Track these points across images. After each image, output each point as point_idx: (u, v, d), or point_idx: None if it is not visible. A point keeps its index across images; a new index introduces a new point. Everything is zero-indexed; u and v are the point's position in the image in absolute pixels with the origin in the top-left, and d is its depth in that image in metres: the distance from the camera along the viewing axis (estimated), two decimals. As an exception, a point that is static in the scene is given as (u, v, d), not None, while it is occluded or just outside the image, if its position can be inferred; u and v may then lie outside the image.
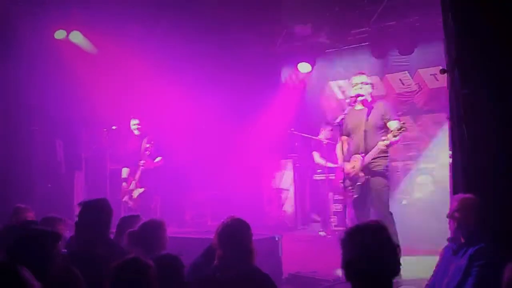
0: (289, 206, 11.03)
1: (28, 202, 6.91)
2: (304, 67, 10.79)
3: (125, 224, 4.64)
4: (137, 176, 8.85)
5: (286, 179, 11.17)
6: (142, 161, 8.81)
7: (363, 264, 2.41)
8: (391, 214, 6.19)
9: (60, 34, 9.47)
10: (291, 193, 11.04)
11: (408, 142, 9.93)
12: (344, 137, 6.66)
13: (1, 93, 8.88)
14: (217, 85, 10.67)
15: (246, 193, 10.89)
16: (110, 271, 2.96)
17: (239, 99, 11.07)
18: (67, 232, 5.28)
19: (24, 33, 8.85)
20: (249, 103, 11.06)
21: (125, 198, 8.89)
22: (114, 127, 9.17)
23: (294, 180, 11.02)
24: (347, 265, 2.46)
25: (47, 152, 9.53)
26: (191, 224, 10.47)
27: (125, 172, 9.09)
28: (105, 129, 9.28)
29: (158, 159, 8.97)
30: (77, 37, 9.66)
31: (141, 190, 8.83)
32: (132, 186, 8.87)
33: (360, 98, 6.52)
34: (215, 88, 10.66)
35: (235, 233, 3.63)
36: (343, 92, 11.06)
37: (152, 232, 4.21)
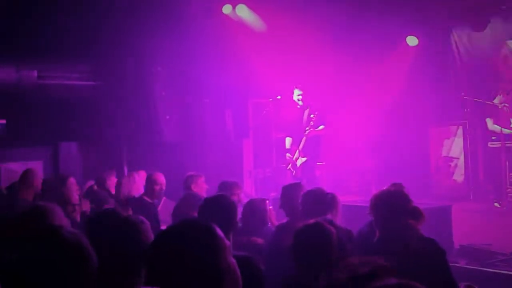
0: (459, 175, 10.46)
1: (201, 169, 7.40)
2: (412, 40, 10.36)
3: (287, 192, 4.71)
4: (301, 145, 8.97)
5: (455, 146, 10.58)
6: (306, 131, 8.90)
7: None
8: None
9: (227, 9, 9.84)
10: (461, 162, 10.44)
11: None
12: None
13: (179, 67, 9.50)
14: (377, 55, 10.37)
15: (412, 161, 10.53)
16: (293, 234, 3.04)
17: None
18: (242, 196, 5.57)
19: (193, 8, 9.30)
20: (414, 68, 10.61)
21: (289, 167, 9.08)
22: (278, 97, 9.37)
23: (465, 148, 10.40)
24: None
25: (218, 122, 10.05)
26: (356, 192, 10.42)
27: (288, 142, 9.26)
28: (270, 99, 9.53)
29: (321, 127, 9.00)
30: (243, 11, 9.96)
31: (304, 159, 8.95)
32: (296, 155, 9.02)
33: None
34: (373, 58, 10.37)
35: (392, 200, 3.48)
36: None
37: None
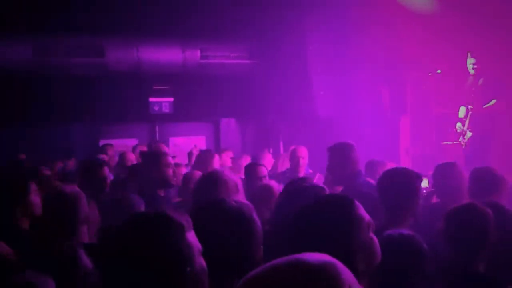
0: None
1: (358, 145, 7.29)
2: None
3: (439, 172, 4.45)
4: (467, 120, 8.38)
5: None
6: (469, 105, 8.30)
7: None
8: None
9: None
10: None
11: None
12: None
13: (333, 43, 9.44)
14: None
15: None
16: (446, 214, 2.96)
17: None
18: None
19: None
20: None
21: (461, 139, 8.49)
22: (438, 71, 8.89)
23: None
24: None
25: (373, 98, 9.83)
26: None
27: (462, 111, 8.55)
28: (429, 73, 9.08)
29: (492, 102, 8.26)
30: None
31: (470, 134, 8.37)
32: (464, 128, 8.39)
33: None
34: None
35: None
36: None
37: None
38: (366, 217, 1.93)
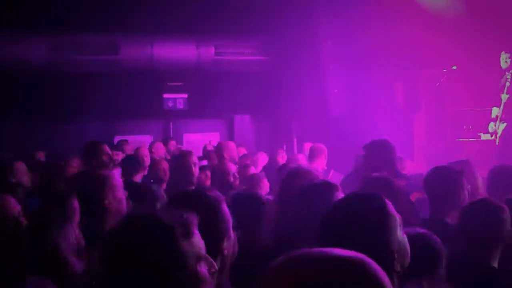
0: None
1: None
2: None
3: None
4: (500, 111, 8.38)
5: None
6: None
7: None
8: None
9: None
10: None
11: None
12: None
13: (348, 41, 9.40)
14: None
15: None
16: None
17: None
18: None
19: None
20: None
21: (493, 137, 8.50)
22: (454, 67, 8.82)
23: None
24: None
25: (387, 95, 9.80)
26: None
27: (494, 112, 8.63)
28: (444, 69, 9.01)
29: None
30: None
31: (504, 124, 8.35)
32: (497, 123, 8.43)
33: None
34: None
35: None
36: None
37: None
38: (397, 215, 1.89)
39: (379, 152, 4.44)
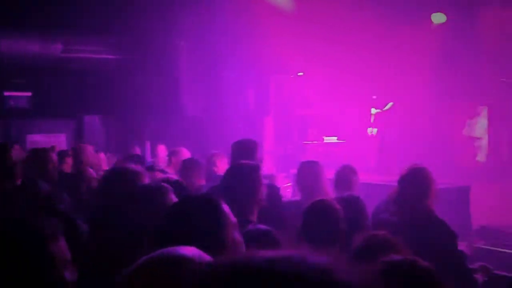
0: (482, 156, 10.35)
1: (221, 145, 7.42)
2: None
3: (303, 169, 4.74)
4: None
5: (479, 127, 10.45)
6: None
7: None
8: None
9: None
10: (484, 142, 10.33)
11: None
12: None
13: (203, 43, 9.50)
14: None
15: (436, 140, 10.43)
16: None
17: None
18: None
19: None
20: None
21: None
22: (300, 74, 9.34)
23: (489, 129, 10.27)
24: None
25: (240, 99, 10.07)
26: (376, 170, 10.37)
27: (373, 110, 9.81)
28: (292, 75, 9.50)
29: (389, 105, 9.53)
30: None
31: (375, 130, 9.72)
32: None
33: None
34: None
35: (415, 178, 3.48)
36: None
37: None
38: (233, 217, 1.98)
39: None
